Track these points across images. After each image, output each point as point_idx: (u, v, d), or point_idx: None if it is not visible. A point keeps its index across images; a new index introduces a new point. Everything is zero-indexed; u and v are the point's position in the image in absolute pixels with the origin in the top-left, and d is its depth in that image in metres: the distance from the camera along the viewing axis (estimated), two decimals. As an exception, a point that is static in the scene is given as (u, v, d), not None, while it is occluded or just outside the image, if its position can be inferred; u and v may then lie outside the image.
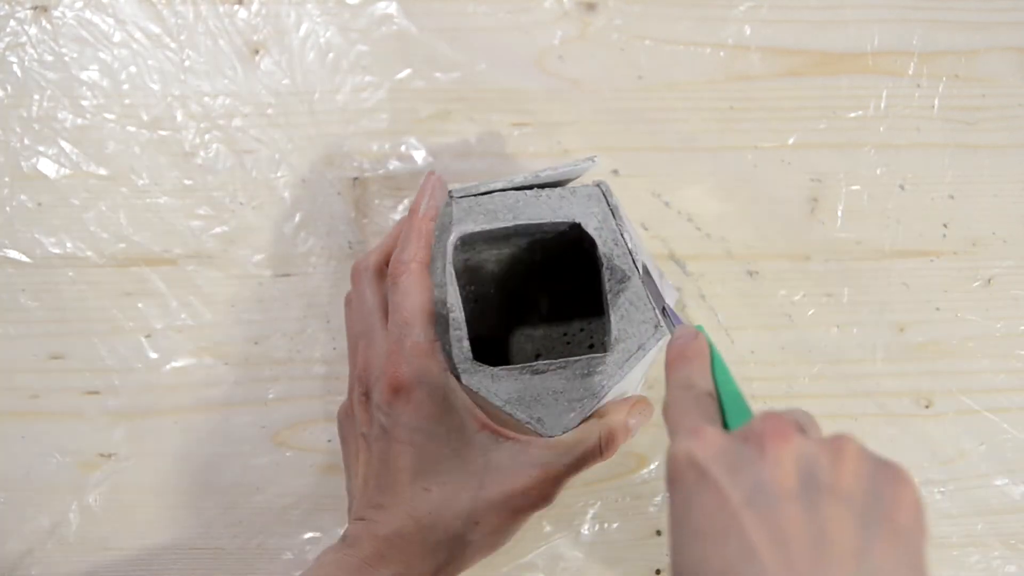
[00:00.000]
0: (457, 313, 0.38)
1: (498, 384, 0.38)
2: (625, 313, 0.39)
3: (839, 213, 0.49)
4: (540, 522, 0.46)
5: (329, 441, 0.46)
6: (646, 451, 0.47)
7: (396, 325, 0.36)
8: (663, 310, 0.38)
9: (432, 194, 0.39)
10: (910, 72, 0.50)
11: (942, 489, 0.47)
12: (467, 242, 0.40)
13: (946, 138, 0.50)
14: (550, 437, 0.38)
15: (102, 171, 0.48)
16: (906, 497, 0.25)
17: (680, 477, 0.27)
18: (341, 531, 0.39)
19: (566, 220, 0.39)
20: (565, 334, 0.46)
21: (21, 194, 0.47)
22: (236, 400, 0.47)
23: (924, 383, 0.48)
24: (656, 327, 0.39)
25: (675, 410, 0.30)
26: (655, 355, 0.40)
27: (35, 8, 0.49)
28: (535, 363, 0.38)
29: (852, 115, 0.50)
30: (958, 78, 0.50)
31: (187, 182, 0.48)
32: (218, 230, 0.48)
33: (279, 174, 0.48)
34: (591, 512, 0.46)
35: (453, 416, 0.36)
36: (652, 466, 0.46)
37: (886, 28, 0.50)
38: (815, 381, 0.47)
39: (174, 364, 0.47)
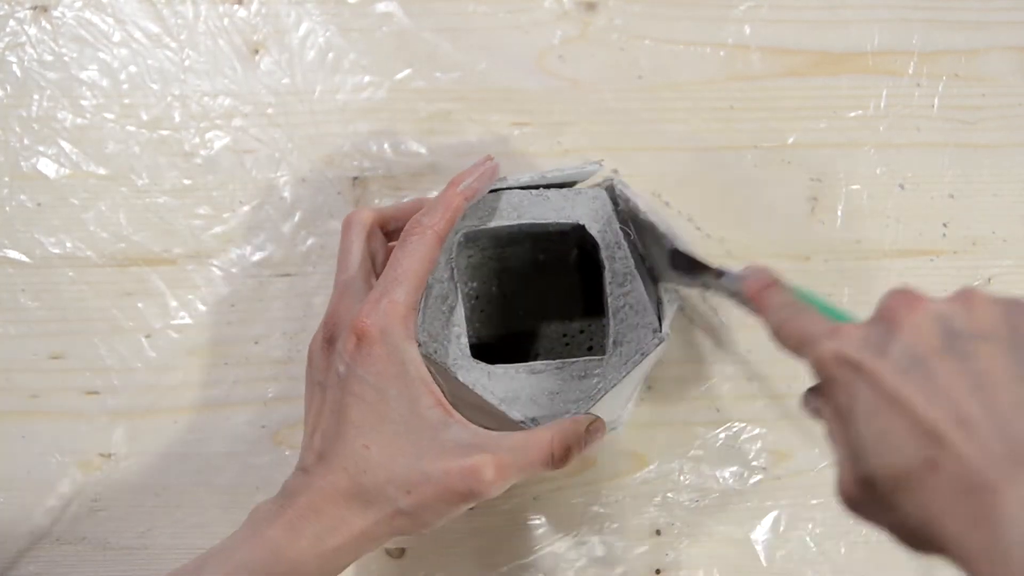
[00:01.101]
0: (457, 310, 0.38)
1: (494, 382, 0.38)
2: (625, 316, 0.38)
3: (839, 213, 0.49)
4: (540, 522, 0.46)
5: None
6: (646, 451, 0.46)
7: (385, 279, 0.36)
8: (718, 273, 0.37)
9: (480, 177, 0.37)
10: (910, 72, 0.50)
11: (942, 489, 0.47)
12: (471, 239, 0.40)
13: (946, 138, 0.50)
14: None
15: (102, 171, 0.48)
16: None
17: (835, 376, 0.28)
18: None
19: (569, 221, 0.39)
20: (565, 335, 0.46)
21: (21, 194, 0.47)
22: (236, 400, 0.47)
23: (924, 383, 0.48)
24: (655, 332, 0.38)
25: (793, 325, 0.31)
26: (653, 360, 0.40)
27: (35, 8, 0.49)
28: (532, 363, 0.38)
29: (852, 115, 0.50)
30: (958, 77, 0.50)
31: (187, 182, 0.48)
32: (218, 230, 0.48)
33: (279, 174, 0.48)
34: (591, 512, 0.46)
35: (408, 384, 0.35)
36: (652, 466, 0.46)
37: (886, 28, 0.50)
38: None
39: (174, 364, 0.47)
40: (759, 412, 0.47)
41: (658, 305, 0.40)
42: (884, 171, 0.49)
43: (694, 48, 0.50)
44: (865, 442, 0.28)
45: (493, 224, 0.39)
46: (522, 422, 0.37)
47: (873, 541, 0.46)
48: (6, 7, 0.48)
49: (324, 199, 0.48)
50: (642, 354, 0.38)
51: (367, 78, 0.49)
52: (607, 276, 0.39)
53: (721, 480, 0.46)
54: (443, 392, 0.37)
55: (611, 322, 0.38)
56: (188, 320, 0.47)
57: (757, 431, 0.47)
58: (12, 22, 0.48)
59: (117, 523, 0.45)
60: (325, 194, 0.48)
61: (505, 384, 0.38)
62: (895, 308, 0.29)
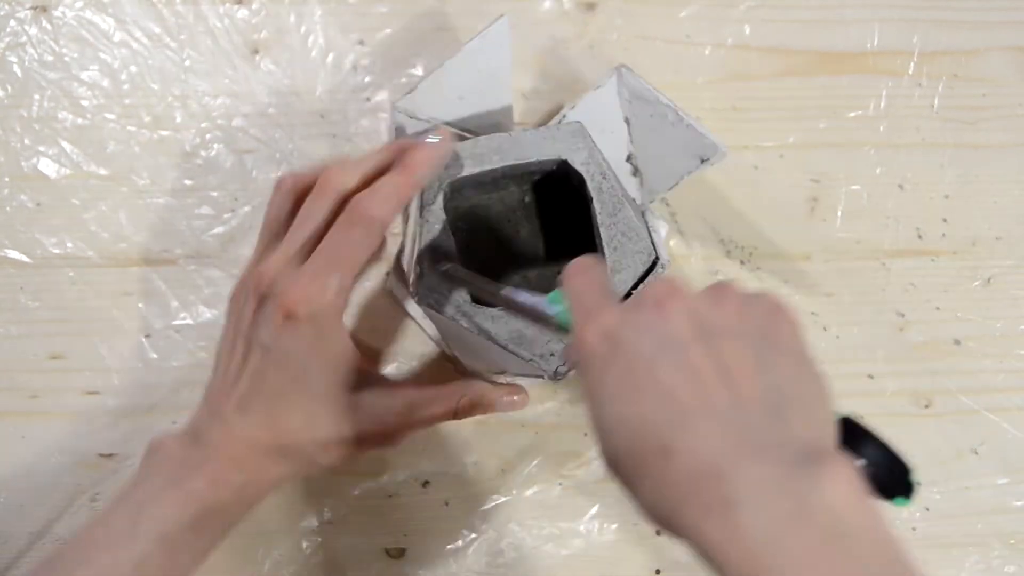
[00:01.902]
0: (453, 260, 0.38)
1: (497, 325, 0.38)
2: (619, 244, 0.39)
3: (839, 213, 0.49)
4: (540, 522, 0.46)
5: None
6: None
7: (324, 260, 0.35)
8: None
9: (436, 162, 0.37)
10: (910, 72, 0.50)
11: (942, 489, 0.47)
12: (455, 188, 0.40)
13: (946, 138, 0.50)
14: (544, 373, 0.39)
15: (102, 171, 0.48)
16: (784, 323, 0.29)
17: (593, 352, 0.29)
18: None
19: (552, 158, 0.39)
20: (559, 272, 0.46)
21: (21, 194, 0.47)
22: (236, 400, 0.47)
23: (924, 383, 0.48)
24: (649, 256, 0.39)
25: (577, 308, 0.32)
26: None
27: (35, 8, 0.49)
28: None
29: (852, 114, 0.50)
30: (958, 78, 0.50)
31: (187, 182, 0.48)
32: (218, 230, 0.48)
33: (279, 174, 0.48)
34: (591, 512, 0.46)
35: (331, 358, 0.37)
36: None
37: (886, 27, 0.50)
38: (815, 381, 0.47)
39: (174, 364, 0.46)
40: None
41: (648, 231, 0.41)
42: (884, 171, 0.49)
43: (694, 48, 0.50)
44: (611, 423, 0.28)
45: (478, 169, 0.39)
46: (531, 360, 0.38)
47: (873, 541, 0.46)
48: (7, 7, 0.48)
49: (324, 199, 0.48)
50: (642, 279, 0.39)
51: (367, 79, 0.49)
52: (596, 207, 0.39)
53: (721, 480, 0.46)
54: (442, 337, 0.39)
55: (606, 251, 0.39)
56: (188, 320, 0.47)
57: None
58: (13, 22, 0.49)
59: (117, 523, 0.45)
60: (325, 194, 0.48)
61: (510, 325, 0.38)
62: (657, 296, 0.29)
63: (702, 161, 0.41)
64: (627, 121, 0.44)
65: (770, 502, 0.24)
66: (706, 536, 0.25)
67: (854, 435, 0.28)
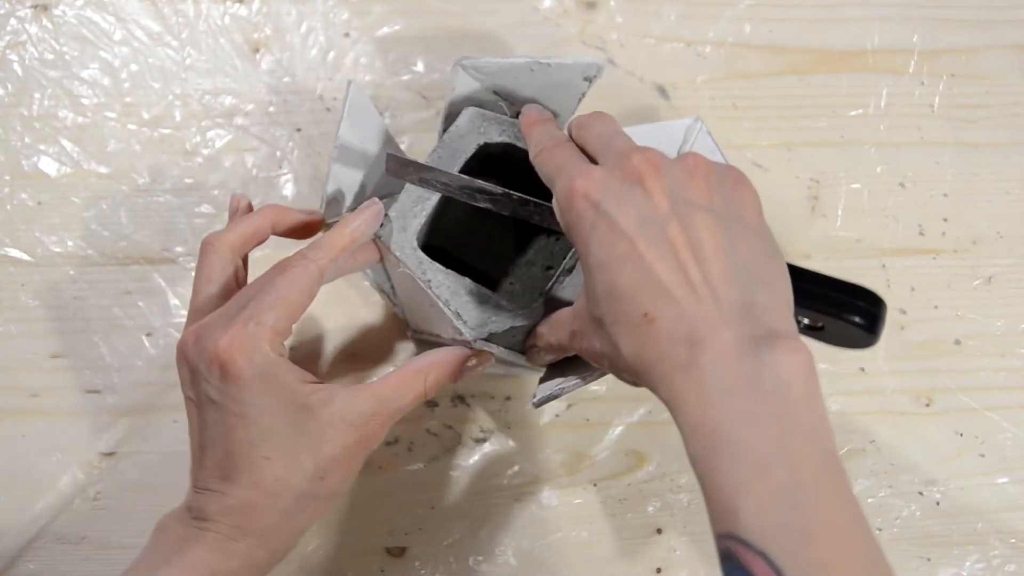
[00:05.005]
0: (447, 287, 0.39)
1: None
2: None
3: (839, 211, 0.49)
4: (541, 521, 0.46)
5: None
6: (646, 450, 0.46)
7: (256, 304, 0.35)
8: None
9: (367, 220, 0.38)
10: (910, 70, 0.50)
11: (942, 488, 0.47)
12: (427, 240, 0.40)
13: (946, 136, 0.50)
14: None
15: (103, 169, 0.48)
16: (748, 198, 0.32)
17: (579, 213, 0.32)
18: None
19: (471, 151, 0.40)
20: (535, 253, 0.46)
21: (22, 192, 0.47)
22: (237, 398, 0.47)
23: (924, 381, 0.48)
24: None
25: (552, 155, 0.35)
26: None
27: (36, 6, 0.49)
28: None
29: (852, 113, 0.50)
30: (958, 76, 0.50)
31: (188, 180, 0.48)
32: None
33: (280, 172, 0.48)
34: (591, 512, 0.46)
35: (284, 389, 0.35)
36: (651, 466, 0.46)
37: (887, 26, 0.50)
38: (816, 379, 0.47)
39: (174, 362, 0.46)
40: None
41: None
42: (884, 170, 0.49)
43: (694, 46, 0.50)
44: (600, 289, 0.31)
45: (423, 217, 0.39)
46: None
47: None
48: (7, 5, 0.49)
49: (325, 198, 0.48)
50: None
51: (368, 77, 0.49)
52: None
53: (722, 479, 0.46)
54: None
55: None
56: (189, 319, 0.47)
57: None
58: (13, 20, 0.49)
59: (117, 522, 0.45)
60: (326, 193, 0.48)
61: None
62: (640, 169, 0.32)
63: (587, 79, 0.41)
64: (496, 94, 0.43)
65: (731, 366, 0.28)
66: (674, 388, 0.29)
67: (803, 279, 0.33)
